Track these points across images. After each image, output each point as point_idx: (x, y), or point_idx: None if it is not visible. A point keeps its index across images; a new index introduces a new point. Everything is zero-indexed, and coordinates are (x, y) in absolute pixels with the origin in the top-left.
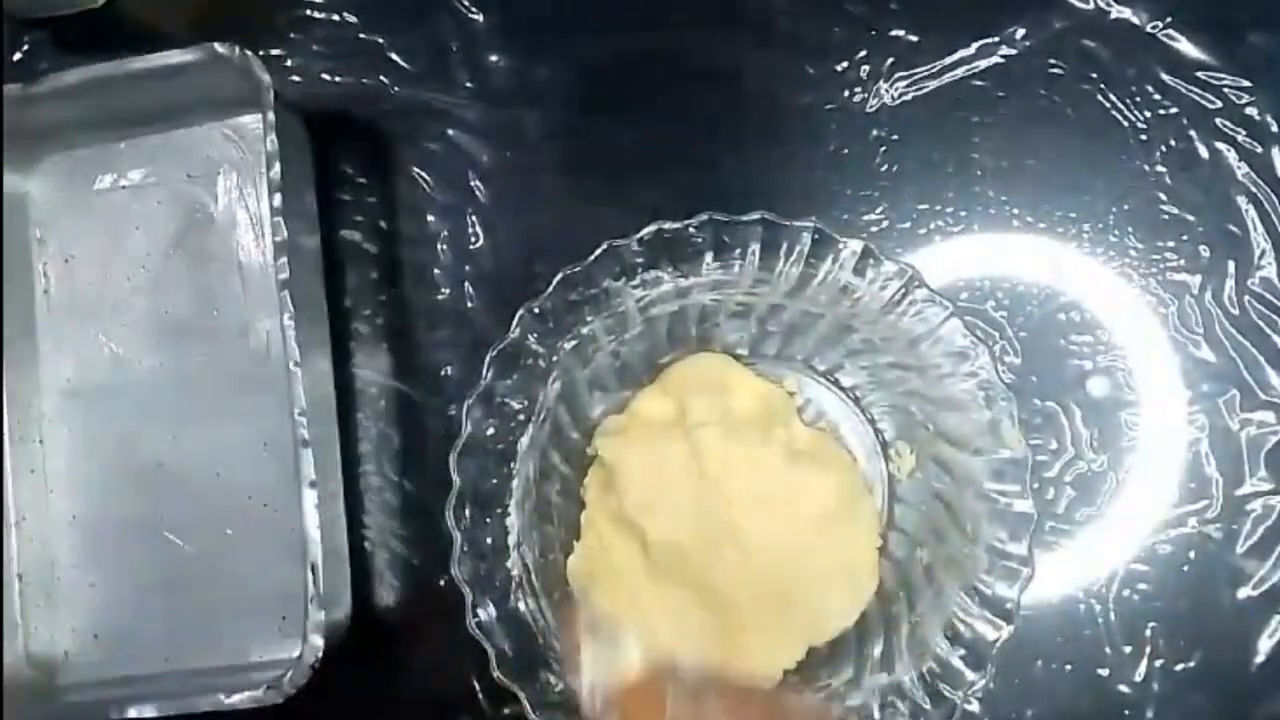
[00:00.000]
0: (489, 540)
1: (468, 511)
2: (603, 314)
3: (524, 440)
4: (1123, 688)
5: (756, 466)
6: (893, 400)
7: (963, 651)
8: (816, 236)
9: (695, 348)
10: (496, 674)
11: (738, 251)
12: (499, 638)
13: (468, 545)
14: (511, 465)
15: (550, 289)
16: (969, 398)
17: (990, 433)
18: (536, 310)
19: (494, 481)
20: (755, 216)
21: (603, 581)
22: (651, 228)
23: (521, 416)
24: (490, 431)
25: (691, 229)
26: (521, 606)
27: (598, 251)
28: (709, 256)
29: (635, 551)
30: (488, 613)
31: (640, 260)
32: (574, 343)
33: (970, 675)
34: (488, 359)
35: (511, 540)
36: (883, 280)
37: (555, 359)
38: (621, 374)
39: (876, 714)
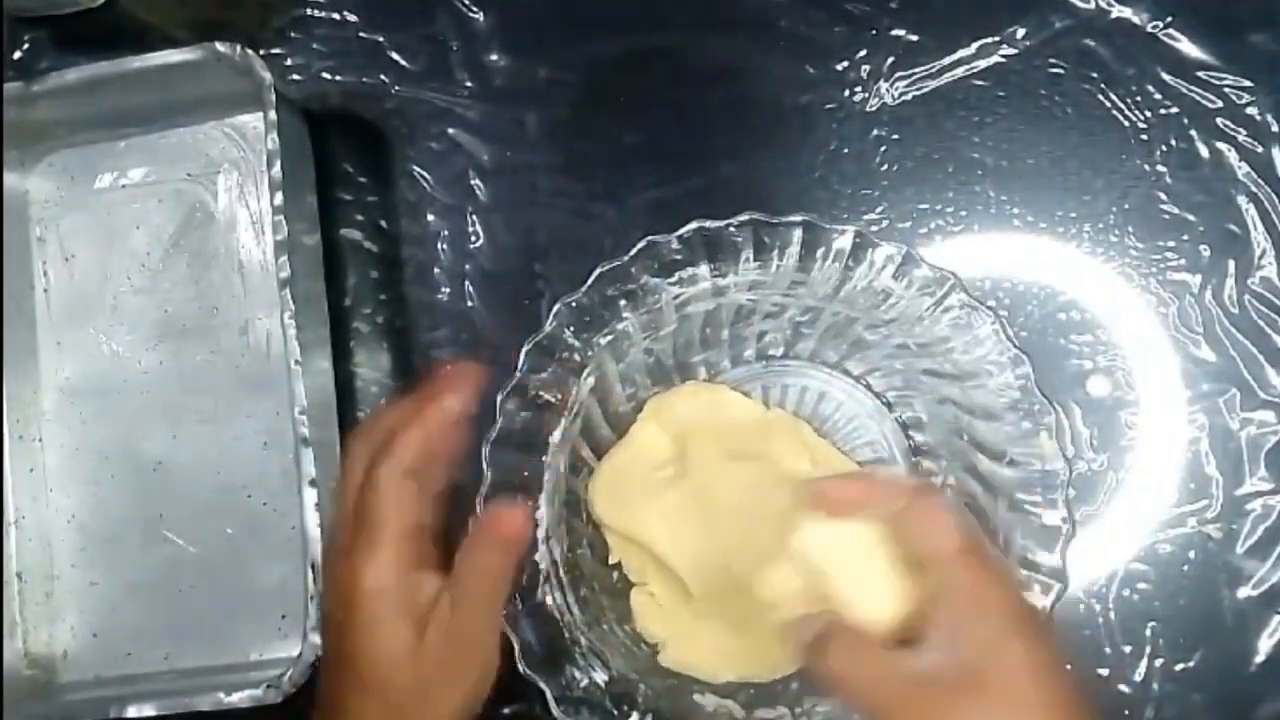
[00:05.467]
0: None
1: None
2: (639, 310)
3: (556, 434)
4: (1123, 688)
5: (761, 487)
6: (926, 406)
7: None
8: (857, 240)
9: (725, 351)
10: (522, 667)
11: (776, 252)
12: (525, 630)
13: None
14: (543, 459)
15: (589, 283)
16: (1006, 407)
17: (1026, 443)
18: (574, 304)
19: (525, 474)
20: (797, 218)
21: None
22: (692, 225)
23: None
24: (522, 424)
25: (732, 228)
26: (549, 600)
27: (637, 247)
28: (748, 255)
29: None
30: (515, 605)
31: (679, 257)
32: (609, 338)
33: None
34: (524, 351)
35: (541, 534)
36: (921, 285)
37: (590, 354)
38: (653, 371)
39: None
